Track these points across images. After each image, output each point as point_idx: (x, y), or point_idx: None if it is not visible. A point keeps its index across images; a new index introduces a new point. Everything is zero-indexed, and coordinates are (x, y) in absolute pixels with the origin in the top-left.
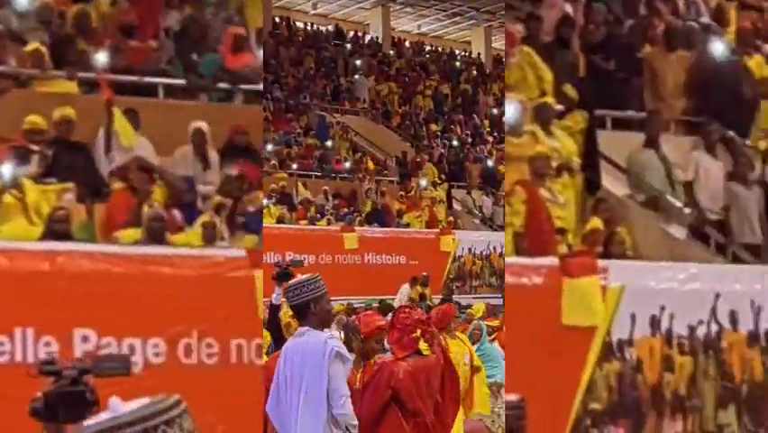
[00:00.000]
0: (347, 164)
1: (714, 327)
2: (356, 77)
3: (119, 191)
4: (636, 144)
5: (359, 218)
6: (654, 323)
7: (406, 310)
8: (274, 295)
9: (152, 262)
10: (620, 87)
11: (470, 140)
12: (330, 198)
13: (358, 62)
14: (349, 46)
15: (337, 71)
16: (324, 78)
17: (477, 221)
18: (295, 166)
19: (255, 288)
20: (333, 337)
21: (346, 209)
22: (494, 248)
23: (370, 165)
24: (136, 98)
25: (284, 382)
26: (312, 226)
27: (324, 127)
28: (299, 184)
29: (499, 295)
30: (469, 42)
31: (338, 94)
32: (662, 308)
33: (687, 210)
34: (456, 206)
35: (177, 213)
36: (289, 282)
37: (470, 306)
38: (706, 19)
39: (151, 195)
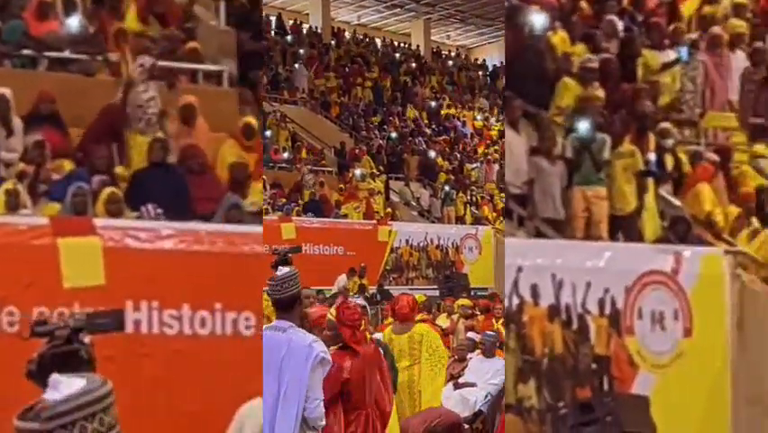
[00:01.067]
0: (285, 154)
1: (515, 301)
2: (296, 66)
3: None
4: None
5: (297, 208)
6: None
7: (349, 306)
8: None
9: None
10: None
11: (408, 132)
12: (267, 187)
13: (297, 52)
14: (288, 36)
15: (276, 60)
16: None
17: (415, 213)
18: None
19: (58, 256)
20: (317, 341)
21: (284, 199)
22: (431, 240)
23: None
24: None
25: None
26: None
27: (263, 116)
28: None
29: (436, 287)
30: (408, 34)
31: (277, 83)
32: None
33: None
34: (394, 197)
35: None
36: (278, 276)
37: None
38: None
39: None
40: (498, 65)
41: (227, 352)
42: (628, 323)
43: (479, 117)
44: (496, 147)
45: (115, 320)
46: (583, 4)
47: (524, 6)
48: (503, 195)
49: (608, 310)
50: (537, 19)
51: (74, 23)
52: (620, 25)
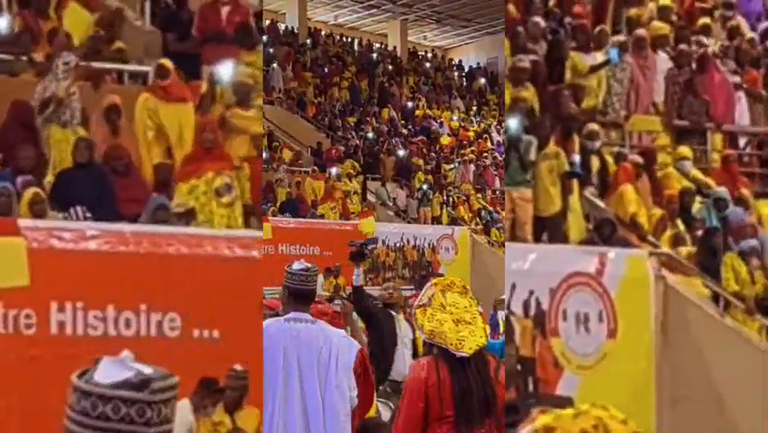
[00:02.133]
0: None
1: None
2: (272, 66)
3: None
4: None
5: (272, 208)
6: None
7: (319, 300)
8: (354, 276)
9: None
10: None
11: (384, 132)
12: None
13: (273, 51)
14: (264, 35)
15: None
16: None
17: (391, 213)
18: None
19: None
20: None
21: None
22: (408, 240)
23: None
24: None
25: (294, 365)
26: None
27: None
28: None
29: (412, 287)
30: (385, 35)
31: None
32: None
33: None
34: (370, 197)
35: None
36: (307, 266)
37: None
38: None
39: None
40: (475, 66)
41: (152, 353)
42: (553, 324)
43: (455, 118)
44: (473, 148)
45: None
46: (510, 7)
47: None
48: (479, 195)
49: (532, 312)
50: None
51: None
52: (546, 27)
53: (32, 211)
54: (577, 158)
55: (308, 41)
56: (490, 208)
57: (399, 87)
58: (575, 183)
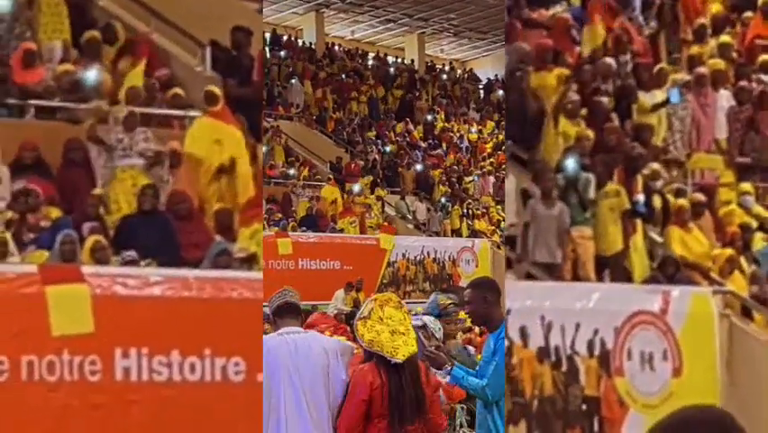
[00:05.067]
0: (281, 169)
1: (504, 343)
2: (290, 81)
3: None
4: None
5: (292, 223)
6: None
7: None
8: None
9: None
10: None
11: (403, 145)
12: (263, 202)
13: (291, 67)
14: (283, 51)
15: (271, 76)
16: None
17: (411, 226)
18: None
19: (47, 304)
20: None
21: (280, 215)
22: (428, 253)
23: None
24: None
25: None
26: None
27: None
28: None
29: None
30: (402, 49)
31: (272, 99)
32: None
33: None
34: (390, 211)
35: None
36: None
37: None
38: None
39: None
40: (492, 78)
41: (217, 398)
42: (618, 364)
43: (473, 130)
44: (492, 159)
45: None
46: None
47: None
48: (499, 207)
49: (597, 351)
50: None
51: (61, 70)
52: (614, 66)
53: (95, 258)
54: (641, 197)
55: (326, 56)
56: None
57: (418, 101)
58: (638, 222)
